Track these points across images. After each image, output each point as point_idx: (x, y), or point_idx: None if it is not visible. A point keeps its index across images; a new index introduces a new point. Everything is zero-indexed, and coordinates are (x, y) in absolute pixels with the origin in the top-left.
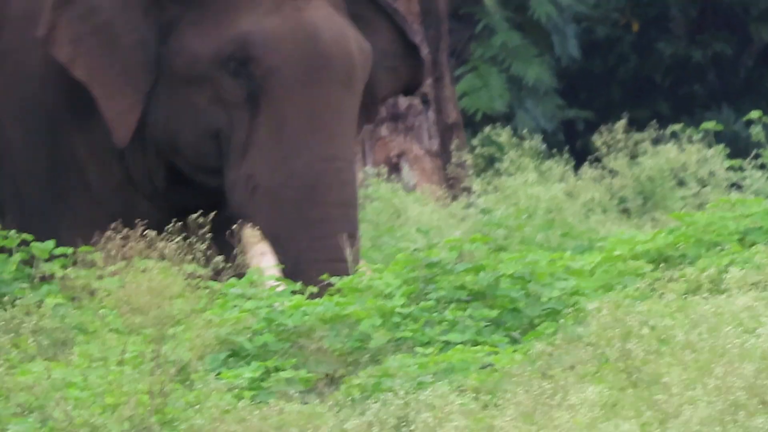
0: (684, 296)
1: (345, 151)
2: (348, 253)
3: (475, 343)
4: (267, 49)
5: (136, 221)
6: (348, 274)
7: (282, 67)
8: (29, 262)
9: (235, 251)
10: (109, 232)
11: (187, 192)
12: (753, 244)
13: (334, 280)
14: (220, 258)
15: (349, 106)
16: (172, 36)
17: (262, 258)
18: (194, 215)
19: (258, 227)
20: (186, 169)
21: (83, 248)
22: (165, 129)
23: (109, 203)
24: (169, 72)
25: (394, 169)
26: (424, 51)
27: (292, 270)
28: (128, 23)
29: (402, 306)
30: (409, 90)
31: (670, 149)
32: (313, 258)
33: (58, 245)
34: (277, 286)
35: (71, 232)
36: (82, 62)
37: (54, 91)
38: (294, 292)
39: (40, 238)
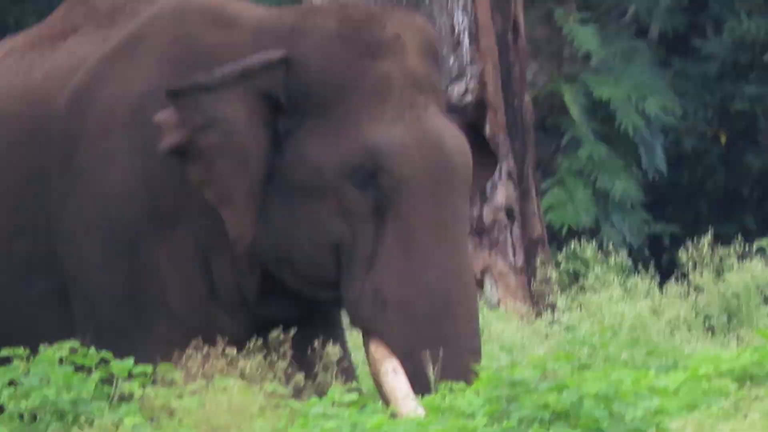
0: None
1: (468, 263)
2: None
3: None
4: (395, 159)
5: (216, 337)
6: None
7: (411, 179)
8: (108, 380)
9: (315, 369)
10: (189, 350)
11: (275, 304)
12: None
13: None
14: (301, 376)
15: (467, 214)
16: (290, 145)
17: (394, 375)
18: (275, 333)
19: (388, 343)
20: (291, 282)
21: (163, 366)
22: (276, 242)
23: (188, 320)
24: (285, 183)
25: (478, 284)
26: (510, 163)
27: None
28: (254, 140)
29: (484, 426)
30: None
31: (756, 265)
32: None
33: (134, 364)
34: (416, 407)
35: (148, 350)
36: (212, 185)
37: (134, 205)
38: (375, 412)
39: (116, 357)
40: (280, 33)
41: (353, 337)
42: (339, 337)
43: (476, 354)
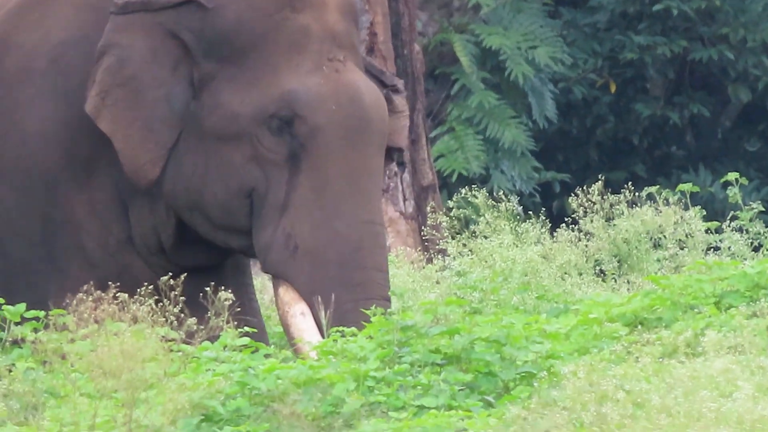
0: (660, 360)
1: (380, 214)
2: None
3: (450, 408)
4: (312, 108)
5: (130, 283)
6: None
7: (326, 128)
8: (0, 325)
9: (208, 314)
10: (80, 295)
11: (191, 252)
12: (730, 308)
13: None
14: (193, 320)
15: (381, 169)
16: (205, 92)
17: (302, 318)
18: (165, 278)
19: (298, 287)
20: (203, 228)
21: (55, 311)
22: (188, 186)
23: (102, 266)
24: (199, 129)
25: None
26: None
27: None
28: (155, 78)
29: (376, 370)
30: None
31: (646, 211)
32: (356, 318)
33: (45, 308)
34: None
35: (60, 294)
36: (107, 114)
37: (52, 150)
38: (267, 356)
39: (26, 300)
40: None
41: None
42: (245, 287)
43: (386, 302)
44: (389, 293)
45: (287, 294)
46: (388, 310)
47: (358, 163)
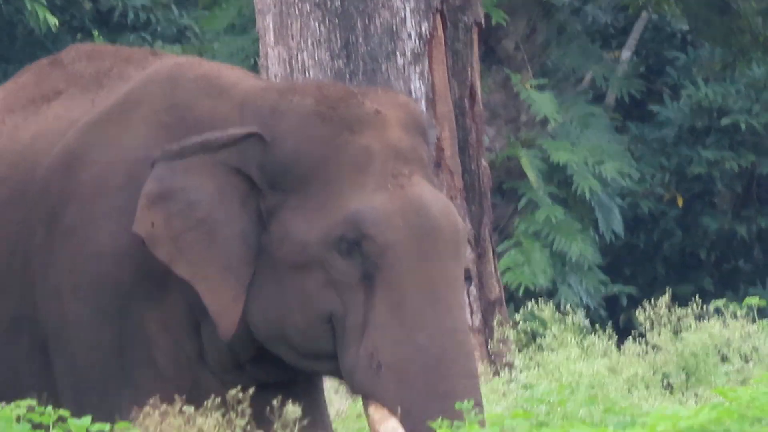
0: None
1: (463, 322)
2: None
3: None
4: (380, 226)
5: (203, 398)
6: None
7: (396, 243)
8: None
9: (274, 427)
10: (146, 408)
11: (270, 368)
12: None
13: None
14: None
15: (460, 278)
16: (274, 224)
17: None
18: (233, 391)
19: (386, 404)
20: (288, 357)
21: (120, 424)
22: (267, 318)
23: (174, 380)
24: (272, 260)
25: None
26: (468, 227)
27: None
28: (227, 216)
29: None
30: None
31: (713, 325)
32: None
33: (117, 421)
34: None
35: (131, 407)
36: (183, 259)
37: (126, 268)
38: None
39: (97, 414)
40: (261, 111)
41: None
42: (317, 401)
43: (478, 408)
44: (479, 400)
45: (377, 413)
46: (478, 415)
47: (434, 274)
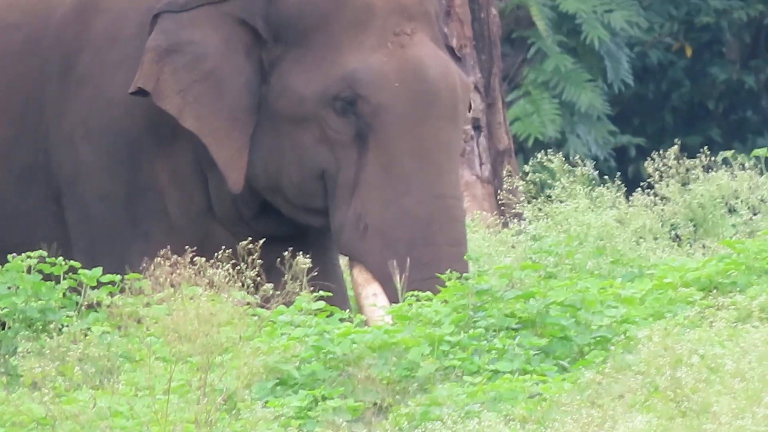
0: (734, 324)
1: (454, 187)
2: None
3: (524, 372)
4: (374, 87)
5: (213, 251)
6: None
7: (390, 105)
8: (76, 289)
9: (284, 279)
10: (157, 259)
11: (274, 222)
12: None
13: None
14: (269, 286)
15: (456, 141)
16: (274, 76)
17: (374, 299)
18: (243, 243)
19: (369, 267)
20: (284, 208)
21: (131, 275)
22: (266, 169)
23: (185, 231)
24: (271, 112)
25: None
26: (477, 75)
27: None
28: (234, 67)
29: (450, 334)
30: None
31: (721, 176)
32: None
33: (128, 271)
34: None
35: (142, 257)
36: (190, 112)
37: (137, 116)
38: (342, 320)
39: (109, 263)
40: None
41: None
42: (327, 252)
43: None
44: (464, 269)
45: (360, 275)
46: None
47: (427, 138)
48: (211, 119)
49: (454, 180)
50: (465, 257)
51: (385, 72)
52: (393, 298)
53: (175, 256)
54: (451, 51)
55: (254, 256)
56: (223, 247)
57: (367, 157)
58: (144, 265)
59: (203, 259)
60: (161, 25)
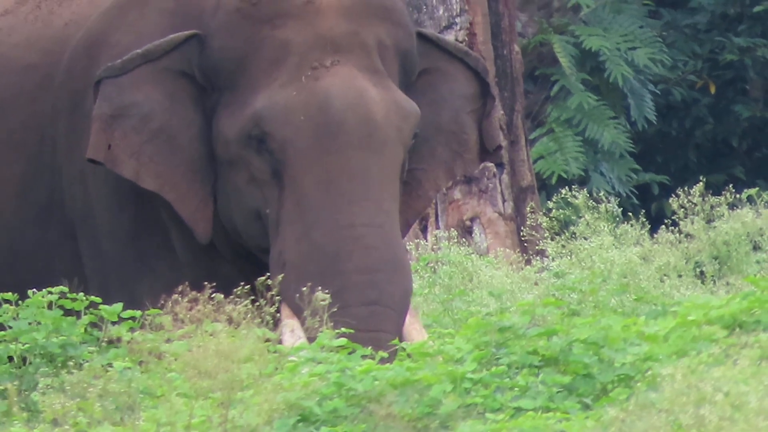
0: (758, 362)
1: (367, 216)
2: (384, 321)
3: (547, 410)
4: (279, 122)
5: (221, 285)
6: (376, 344)
7: (295, 139)
8: (97, 325)
9: (303, 313)
10: (176, 296)
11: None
12: None
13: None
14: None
15: (375, 169)
16: (213, 121)
17: (291, 336)
18: (262, 278)
19: (287, 302)
20: (251, 248)
21: (151, 311)
22: (222, 212)
23: (191, 267)
24: (217, 157)
25: (467, 232)
26: (499, 112)
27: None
28: (182, 120)
29: (473, 371)
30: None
31: (746, 213)
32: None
33: (137, 308)
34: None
35: (151, 294)
36: (148, 172)
37: None
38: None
39: (119, 299)
40: (205, 8)
41: None
42: None
43: (372, 304)
44: (379, 296)
45: (283, 311)
46: (366, 318)
47: (334, 169)
48: (169, 176)
49: (368, 207)
50: (397, 282)
51: (291, 106)
52: (309, 332)
53: (193, 292)
54: (466, 56)
55: (273, 292)
56: (232, 281)
57: (284, 194)
58: (153, 301)
59: (221, 295)
60: (103, 92)
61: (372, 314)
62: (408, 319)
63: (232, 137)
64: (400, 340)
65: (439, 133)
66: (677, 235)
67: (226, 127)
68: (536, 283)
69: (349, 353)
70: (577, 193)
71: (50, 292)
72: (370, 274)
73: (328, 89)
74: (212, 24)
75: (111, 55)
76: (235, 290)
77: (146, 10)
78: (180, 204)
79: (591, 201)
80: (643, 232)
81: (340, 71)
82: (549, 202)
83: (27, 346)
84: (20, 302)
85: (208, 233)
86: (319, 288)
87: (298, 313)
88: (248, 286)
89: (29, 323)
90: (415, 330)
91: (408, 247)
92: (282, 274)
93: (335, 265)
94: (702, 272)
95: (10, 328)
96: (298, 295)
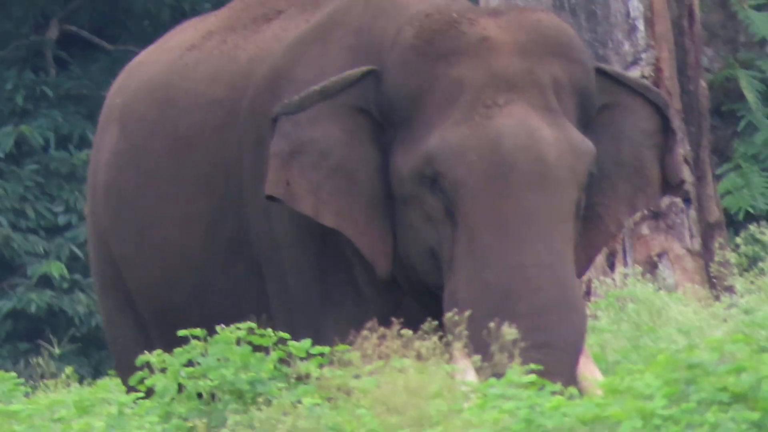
0: None
1: (536, 256)
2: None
3: None
4: (450, 162)
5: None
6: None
7: (466, 180)
8: (286, 361)
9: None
10: (365, 332)
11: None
12: None
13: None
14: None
15: (546, 209)
16: (390, 158)
17: (462, 376)
18: (449, 314)
19: (459, 342)
20: (426, 283)
21: (339, 347)
22: (400, 248)
23: (375, 302)
24: (394, 195)
25: (655, 268)
26: (686, 148)
27: None
28: (361, 156)
29: (663, 407)
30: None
31: None
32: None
33: (322, 343)
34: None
35: (336, 330)
36: (327, 209)
37: None
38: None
39: (305, 336)
40: (384, 43)
41: None
42: None
43: (544, 347)
44: (548, 338)
45: (456, 350)
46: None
47: (504, 210)
48: (349, 212)
49: (537, 248)
50: (569, 323)
51: (463, 146)
52: (497, 368)
53: (382, 329)
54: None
55: (461, 327)
56: (416, 317)
57: (457, 233)
58: (339, 336)
59: (410, 331)
60: (281, 129)
61: (544, 357)
62: (582, 359)
63: (407, 175)
64: (574, 381)
65: (621, 168)
66: None
67: (401, 165)
68: (725, 320)
69: (539, 389)
70: (765, 229)
71: (239, 328)
72: (540, 316)
73: (501, 129)
74: (388, 60)
75: (293, 90)
76: (422, 326)
77: (328, 46)
78: (359, 239)
79: None
80: None
81: (514, 110)
82: (737, 238)
83: (216, 382)
84: (208, 338)
85: (388, 268)
86: (507, 323)
87: (472, 352)
88: (435, 322)
89: (218, 359)
90: (588, 370)
91: (595, 284)
92: (452, 313)
93: (505, 307)
94: None
95: (199, 364)
96: (477, 332)
